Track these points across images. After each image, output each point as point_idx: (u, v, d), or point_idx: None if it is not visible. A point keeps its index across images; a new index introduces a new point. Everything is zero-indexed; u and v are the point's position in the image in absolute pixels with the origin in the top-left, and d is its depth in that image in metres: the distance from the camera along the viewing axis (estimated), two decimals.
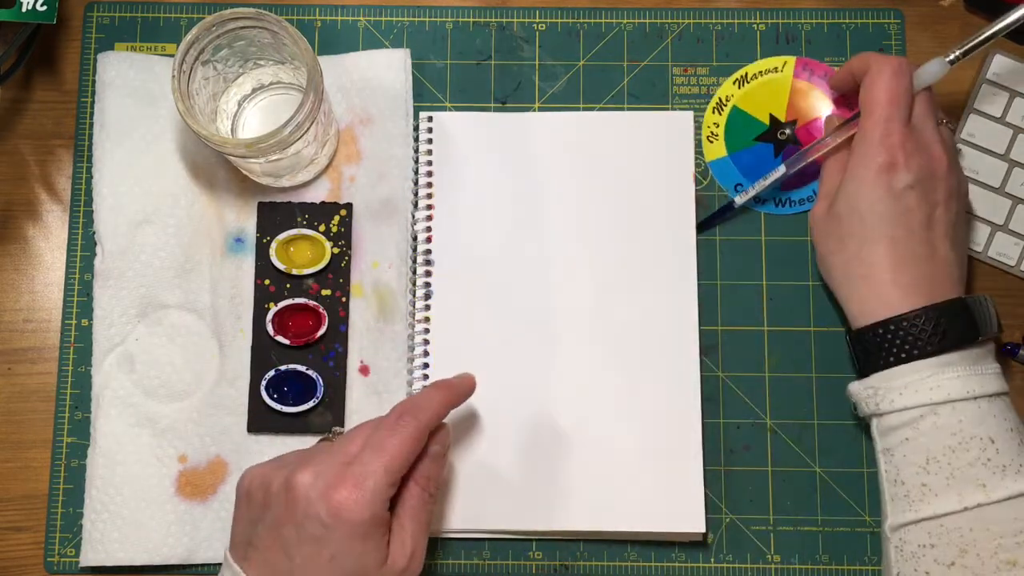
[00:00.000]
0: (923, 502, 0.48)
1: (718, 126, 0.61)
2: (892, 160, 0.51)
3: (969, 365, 0.49)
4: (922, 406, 0.49)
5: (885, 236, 0.51)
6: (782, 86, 0.61)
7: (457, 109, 0.61)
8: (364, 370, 0.58)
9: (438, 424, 0.50)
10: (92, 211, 0.59)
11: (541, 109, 0.61)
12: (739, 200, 0.59)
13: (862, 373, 0.52)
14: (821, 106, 0.60)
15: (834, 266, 0.54)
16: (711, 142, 0.61)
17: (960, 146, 0.60)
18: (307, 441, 0.56)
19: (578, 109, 0.61)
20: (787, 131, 0.61)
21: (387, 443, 0.46)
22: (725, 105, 0.61)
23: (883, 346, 0.50)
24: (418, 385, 0.57)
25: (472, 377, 0.53)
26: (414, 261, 0.59)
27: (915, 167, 0.51)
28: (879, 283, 0.51)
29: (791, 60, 0.61)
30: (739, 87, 0.61)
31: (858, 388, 0.52)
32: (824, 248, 0.54)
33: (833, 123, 0.57)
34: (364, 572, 0.45)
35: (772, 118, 0.61)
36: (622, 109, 0.61)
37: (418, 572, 0.48)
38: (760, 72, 0.61)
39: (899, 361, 0.50)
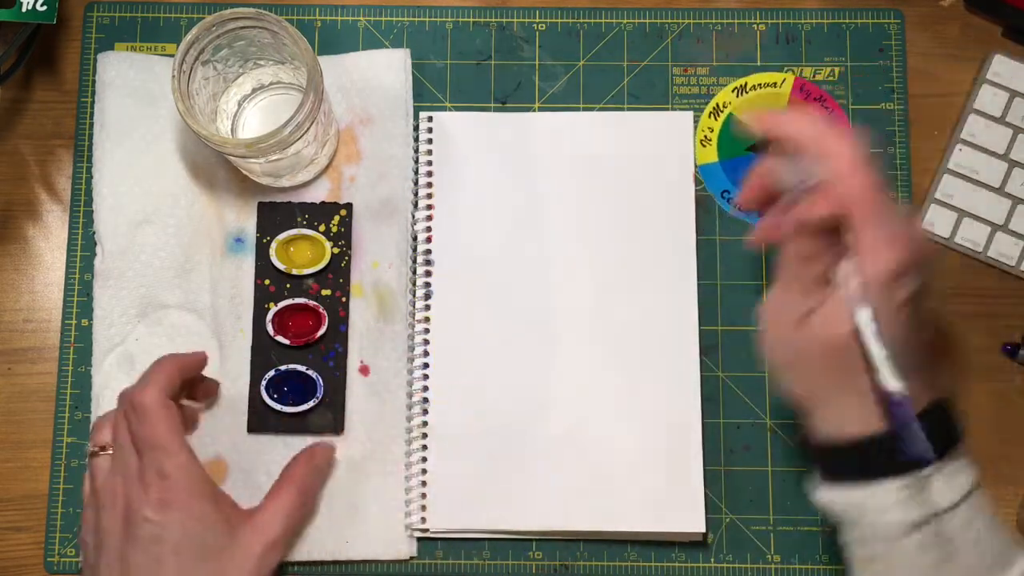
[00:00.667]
0: None
1: (712, 131, 0.61)
2: (900, 267, 0.42)
3: (955, 464, 0.44)
4: (909, 523, 0.43)
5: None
6: (779, 101, 0.61)
7: (457, 109, 0.61)
8: (364, 370, 0.58)
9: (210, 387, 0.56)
10: (92, 211, 0.59)
11: (541, 109, 0.61)
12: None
13: (835, 480, 0.45)
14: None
15: (811, 376, 0.45)
16: (704, 146, 0.61)
17: (960, 146, 0.60)
18: (307, 441, 0.56)
19: (578, 109, 0.61)
20: None
21: (160, 438, 0.49)
22: (721, 111, 0.61)
23: (868, 460, 0.44)
24: (418, 385, 0.57)
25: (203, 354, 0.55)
26: (414, 261, 0.59)
27: (915, 264, 0.43)
28: (867, 393, 0.44)
29: (790, 77, 0.61)
30: (737, 96, 0.61)
31: (833, 500, 0.45)
32: (796, 359, 0.46)
33: (771, 168, 0.46)
34: (212, 548, 0.48)
35: None
36: (622, 109, 0.61)
37: (274, 564, 0.51)
38: (759, 84, 0.61)
39: (885, 475, 0.43)
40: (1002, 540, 0.44)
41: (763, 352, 0.47)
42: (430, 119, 0.60)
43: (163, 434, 0.48)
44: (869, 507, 0.44)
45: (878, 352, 0.42)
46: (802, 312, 0.45)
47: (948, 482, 0.43)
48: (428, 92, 0.61)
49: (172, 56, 0.54)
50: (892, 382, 0.41)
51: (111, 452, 0.50)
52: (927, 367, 0.45)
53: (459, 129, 0.60)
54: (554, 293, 0.58)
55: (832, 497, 0.45)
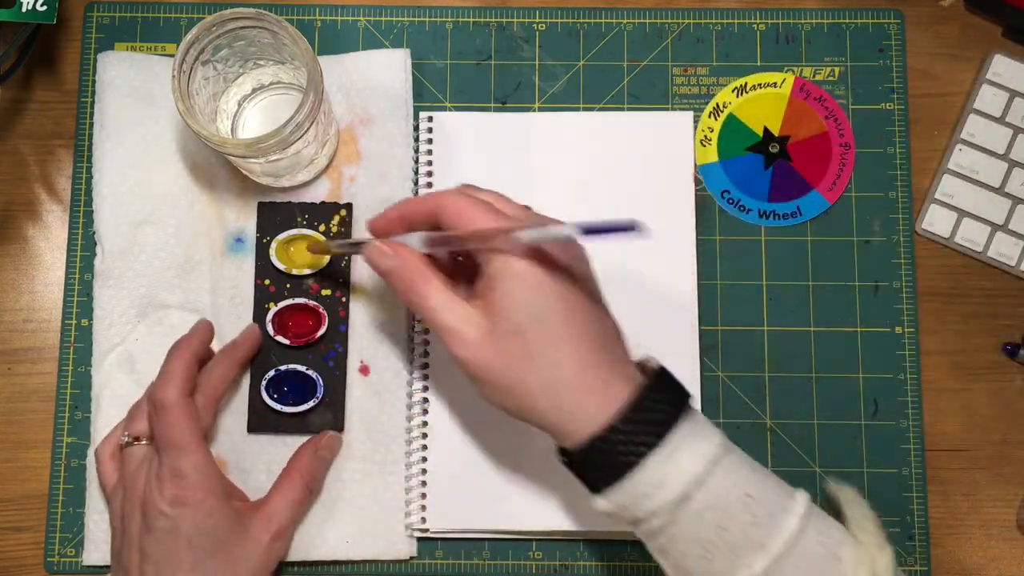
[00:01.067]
0: None
1: (712, 131, 0.61)
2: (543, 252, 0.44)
3: (696, 431, 0.44)
4: (675, 500, 0.43)
5: (571, 329, 0.44)
6: (779, 101, 0.61)
7: (457, 109, 0.61)
8: (364, 370, 0.58)
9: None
10: (92, 211, 0.59)
11: (541, 109, 0.61)
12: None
13: (598, 487, 0.45)
14: (814, 127, 0.60)
15: (530, 390, 0.44)
16: (704, 146, 0.61)
17: (960, 146, 0.60)
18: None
19: (578, 109, 0.61)
20: (778, 145, 0.61)
21: (177, 438, 0.51)
22: (721, 111, 0.61)
23: (614, 453, 0.43)
24: (418, 385, 0.57)
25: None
26: None
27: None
28: (587, 384, 0.44)
29: (790, 77, 0.61)
30: (737, 96, 0.61)
31: (607, 507, 0.45)
32: (506, 377, 0.44)
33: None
34: (223, 541, 0.50)
35: (766, 131, 0.61)
36: (622, 109, 0.61)
37: (282, 553, 0.54)
38: (759, 84, 0.61)
39: (635, 462, 0.43)
40: (774, 482, 0.45)
41: (486, 388, 0.46)
42: (430, 119, 0.60)
43: (180, 434, 0.51)
44: (634, 498, 0.43)
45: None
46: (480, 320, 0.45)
47: (695, 445, 0.43)
48: (428, 92, 0.61)
49: (172, 56, 0.54)
50: (571, 229, 0.40)
51: (145, 443, 0.53)
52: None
53: (459, 129, 0.60)
54: None
55: (604, 505, 0.45)
